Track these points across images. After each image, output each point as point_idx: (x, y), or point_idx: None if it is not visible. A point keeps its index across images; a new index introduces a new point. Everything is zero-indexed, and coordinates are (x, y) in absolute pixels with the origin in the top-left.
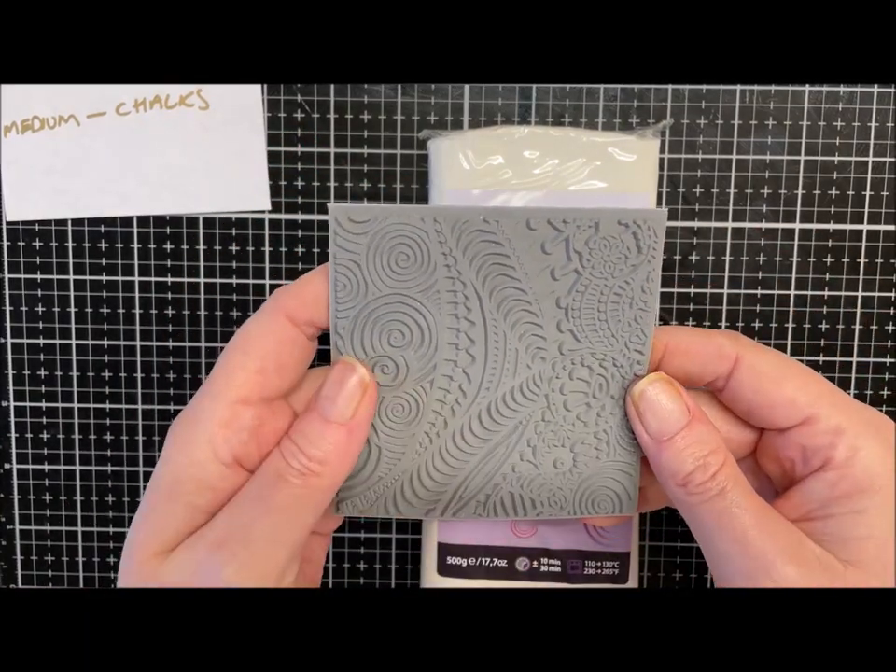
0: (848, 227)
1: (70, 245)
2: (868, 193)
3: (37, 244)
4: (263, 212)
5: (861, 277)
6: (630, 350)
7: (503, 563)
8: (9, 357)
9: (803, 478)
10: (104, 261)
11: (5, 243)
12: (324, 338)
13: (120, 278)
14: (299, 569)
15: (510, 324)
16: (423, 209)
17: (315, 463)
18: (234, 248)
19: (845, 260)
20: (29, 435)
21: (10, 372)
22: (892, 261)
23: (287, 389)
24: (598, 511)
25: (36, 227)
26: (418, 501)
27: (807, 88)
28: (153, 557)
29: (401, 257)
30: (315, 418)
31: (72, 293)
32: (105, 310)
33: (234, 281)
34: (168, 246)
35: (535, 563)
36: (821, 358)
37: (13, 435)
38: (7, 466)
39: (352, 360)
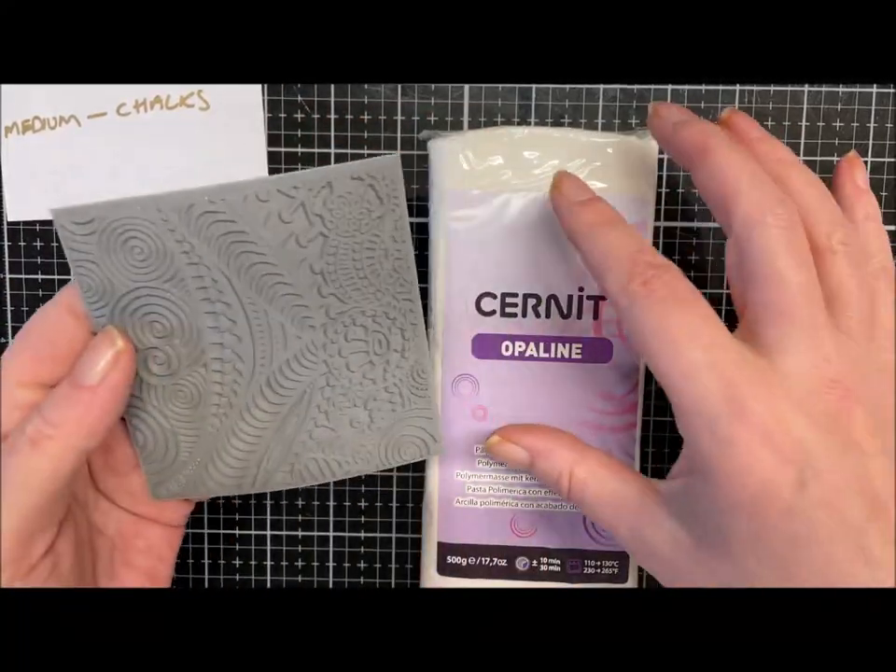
0: None
1: None
2: None
3: (38, 244)
4: None
5: None
6: (399, 300)
7: (503, 562)
8: None
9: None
10: None
11: (6, 243)
12: None
13: None
14: (139, 564)
15: (267, 299)
16: (142, 199)
17: (49, 426)
18: None
19: None
20: None
21: None
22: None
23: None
24: (405, 458)
25: (37, 227)
26: (226, 479)
27: (806, 88)
28: None
29: (136, 251)
30: (65, 384)
31: None
32: None
33: None
34: None
35: (534, 562)
36: None
37: None
38: None
39: (111, 329)
